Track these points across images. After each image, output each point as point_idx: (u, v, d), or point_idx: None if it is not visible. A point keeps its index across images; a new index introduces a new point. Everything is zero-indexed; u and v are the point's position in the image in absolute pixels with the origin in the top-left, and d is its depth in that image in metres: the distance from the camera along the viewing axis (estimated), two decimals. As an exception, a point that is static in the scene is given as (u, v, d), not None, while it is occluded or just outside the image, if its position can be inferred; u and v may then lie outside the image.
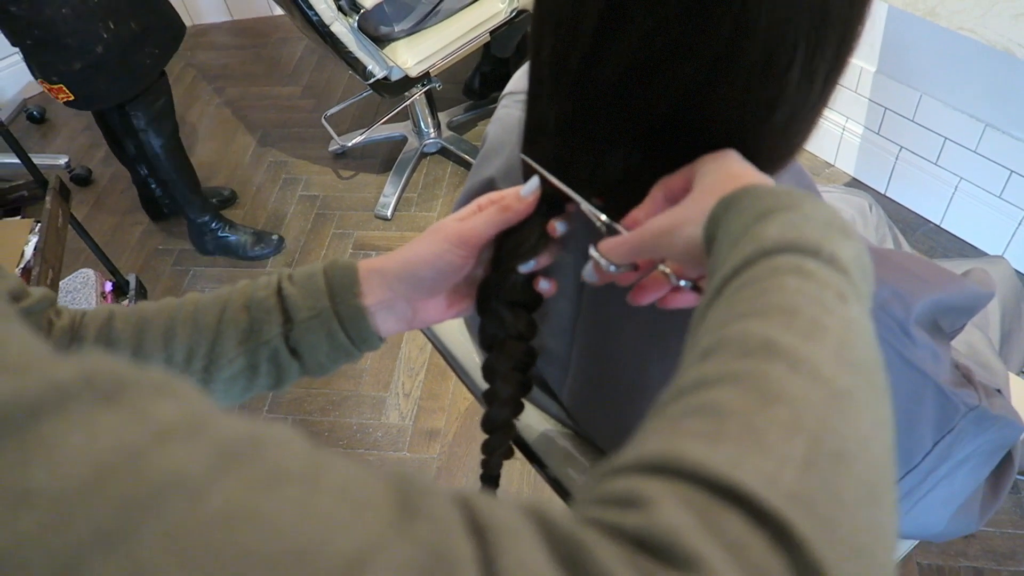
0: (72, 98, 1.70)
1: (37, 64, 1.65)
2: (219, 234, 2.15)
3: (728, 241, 0.38)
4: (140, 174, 2.15)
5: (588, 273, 0.50)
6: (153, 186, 2.18)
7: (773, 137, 0.48)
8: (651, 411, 0.31)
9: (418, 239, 0.55)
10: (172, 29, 1.83)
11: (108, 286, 1.88)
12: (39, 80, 1.69)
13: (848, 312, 0.33)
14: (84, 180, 2.53)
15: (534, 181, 0.52)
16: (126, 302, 1.89)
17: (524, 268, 0.54)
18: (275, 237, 2.19)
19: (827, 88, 0.48)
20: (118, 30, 1.64)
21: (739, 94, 0.45)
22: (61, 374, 0.22)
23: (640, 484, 0.26)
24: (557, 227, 0.53)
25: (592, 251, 0.49)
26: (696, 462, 0.26)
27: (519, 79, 0.76)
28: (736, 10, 0.41)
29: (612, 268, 0.48)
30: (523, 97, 0.72)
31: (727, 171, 0.44)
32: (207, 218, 2.12)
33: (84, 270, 1.84)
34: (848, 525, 0.25)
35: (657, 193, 0.48)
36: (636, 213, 0.49)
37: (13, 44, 1.62)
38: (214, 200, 2.32)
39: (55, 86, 1.67)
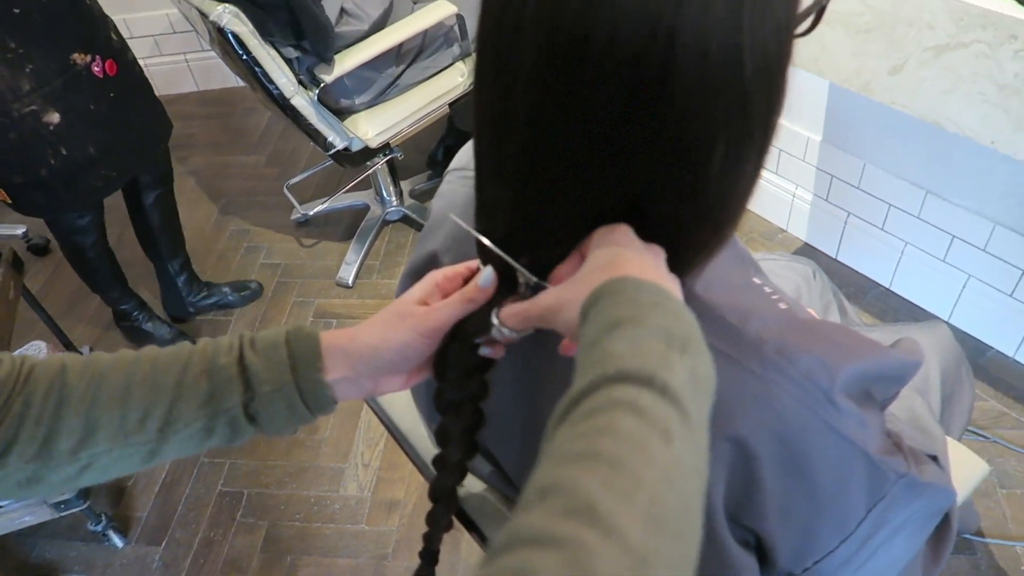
0: (10, 201, 1.67)
1: None
2: (141, 325, 2.13)
3: (585, 346, 0.44)
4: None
5: (495, 331, 0.55)
6: None
7: (707, 220, 0.52)
8: (489, 550, 0.35)
9: (383, 321, 0.58)
10: (143, 147, 1.78)
11: (61, 357, 1.85)
12: None
13: (669, 454, 0.38)
14: (42, 250, 2.51)
15: (489, 271, 0.56)
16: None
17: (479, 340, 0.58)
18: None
19: (755, 175, 0.52)
20: (70, 155, 1.59)
21: (666, 186, 0.49)
22: None
23: None
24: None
25: (493, 316, 0.55)
26: None
27: (463, 156, 0.78)
28: (654, 116, 0.45)
29: (507, 332, 0.54)
30: (466, 173, 0.74)
31: (607, 257, 0.48)
32: (127, 306, 2.11)
33: (36, 342, 1.80)
34: None
35: (576, 254, 0.53)
36: (560, 269, 0.53)
37: None
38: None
39: None
